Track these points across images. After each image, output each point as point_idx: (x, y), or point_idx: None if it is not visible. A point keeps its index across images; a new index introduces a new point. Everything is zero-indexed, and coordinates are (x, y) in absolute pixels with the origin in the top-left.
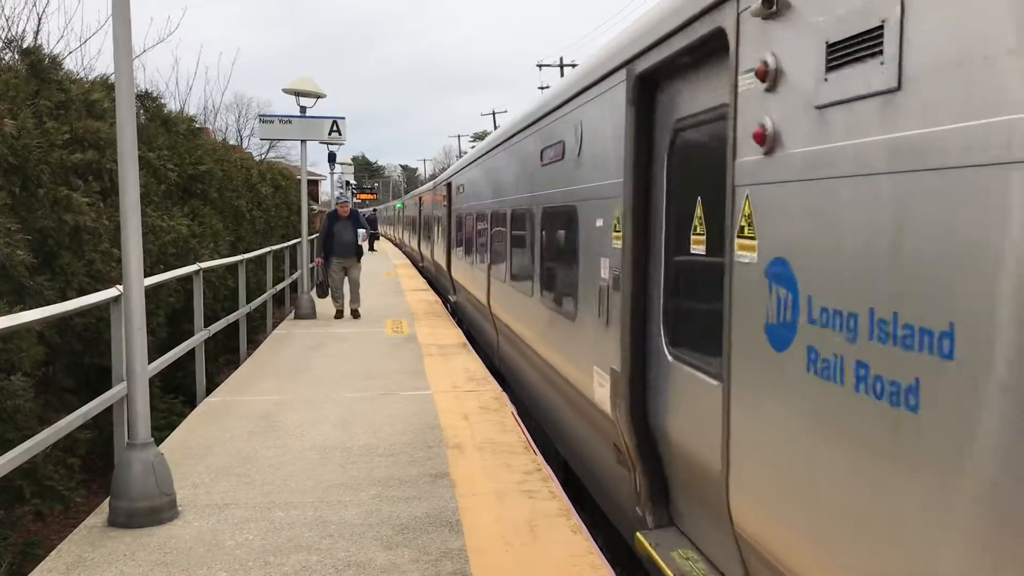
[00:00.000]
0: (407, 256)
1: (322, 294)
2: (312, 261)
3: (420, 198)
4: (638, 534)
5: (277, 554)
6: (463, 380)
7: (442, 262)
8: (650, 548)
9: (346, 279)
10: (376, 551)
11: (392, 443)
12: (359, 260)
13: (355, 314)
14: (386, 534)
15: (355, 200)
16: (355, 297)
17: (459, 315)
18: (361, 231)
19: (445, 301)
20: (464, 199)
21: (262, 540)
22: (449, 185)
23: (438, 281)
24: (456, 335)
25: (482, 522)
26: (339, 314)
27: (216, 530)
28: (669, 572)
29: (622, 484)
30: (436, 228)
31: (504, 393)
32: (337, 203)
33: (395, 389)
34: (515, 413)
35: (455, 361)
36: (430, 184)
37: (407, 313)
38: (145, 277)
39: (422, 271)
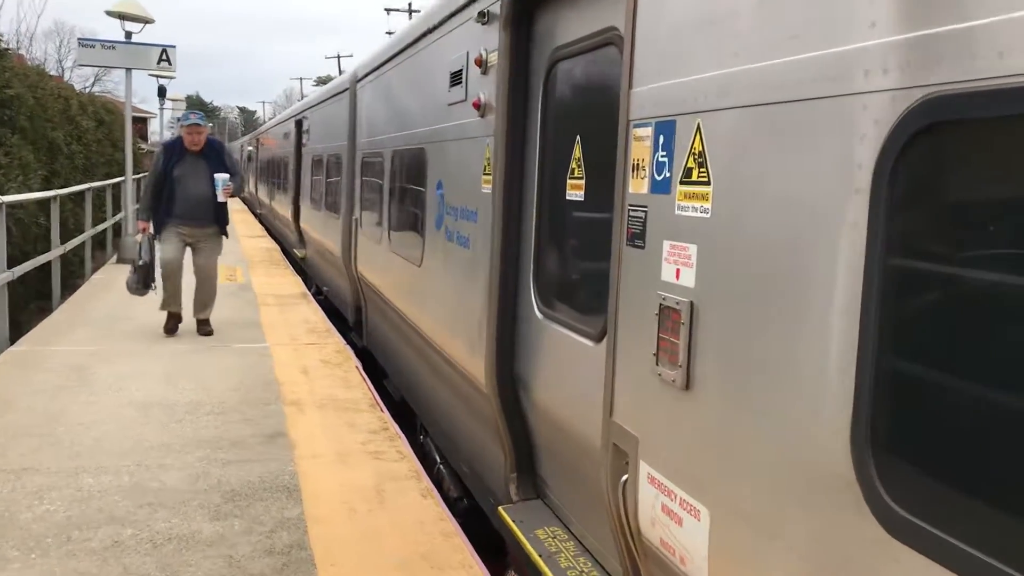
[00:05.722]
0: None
1: (142, 287)
2: (138, 207)
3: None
4: None
5: (83, 528)
6: (303, 332)
7: None
8: None
9: (191, 265)
10: (202, 522)
11: (223, 400)
12: (221, 232)
13: (202, 326)
14: (214, 502)
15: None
16: (203, 300)
17: None
18: (221, 177)
19: (284, 250)
20: None
21: (66, 511)
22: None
23: None
24: (296, 284)
25: (323, 487)
26: (173, 324)
27: (10, 500)
28: None
29: None
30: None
31: (349, 347)
32: (181, 126)
33: (227, 341)
34: (359, 367)
35: (295, 312)
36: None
37: (241, 260)
38: None
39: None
